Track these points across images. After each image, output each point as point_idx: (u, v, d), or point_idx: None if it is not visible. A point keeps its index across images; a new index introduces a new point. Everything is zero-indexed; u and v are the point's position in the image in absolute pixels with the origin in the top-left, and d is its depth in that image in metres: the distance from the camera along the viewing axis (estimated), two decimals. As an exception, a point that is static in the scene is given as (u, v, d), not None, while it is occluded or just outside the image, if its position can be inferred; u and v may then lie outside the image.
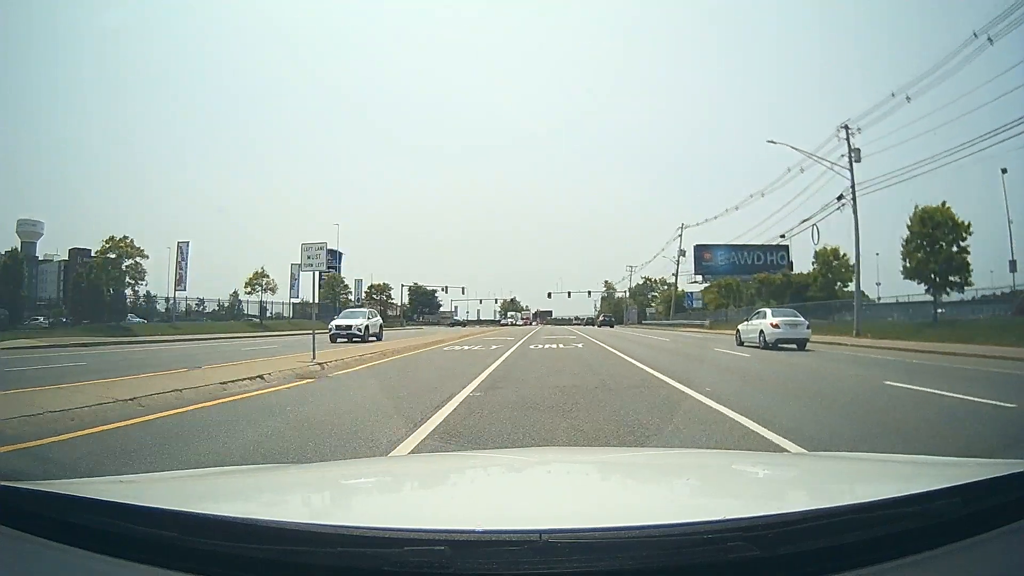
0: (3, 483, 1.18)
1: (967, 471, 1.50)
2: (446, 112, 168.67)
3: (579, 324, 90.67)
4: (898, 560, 0.97)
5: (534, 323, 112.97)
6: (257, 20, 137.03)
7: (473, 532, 0.95)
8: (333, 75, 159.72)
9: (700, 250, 60.54)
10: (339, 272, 71.14)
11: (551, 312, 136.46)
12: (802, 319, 19.55)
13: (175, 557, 0.98)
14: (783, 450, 4.22)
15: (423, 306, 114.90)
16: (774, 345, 18.05)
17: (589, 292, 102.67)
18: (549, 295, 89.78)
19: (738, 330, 21.83)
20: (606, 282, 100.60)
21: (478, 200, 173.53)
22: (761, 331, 18.84)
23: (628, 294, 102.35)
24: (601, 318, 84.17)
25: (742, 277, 55.48)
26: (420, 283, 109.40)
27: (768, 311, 20.35)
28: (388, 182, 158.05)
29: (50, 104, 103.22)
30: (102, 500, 1.15)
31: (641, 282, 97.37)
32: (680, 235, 63.92)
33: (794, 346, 18.14)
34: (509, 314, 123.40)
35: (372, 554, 0.92)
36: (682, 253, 63.46)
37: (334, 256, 66.77)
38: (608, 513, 1.26)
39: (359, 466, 2.75)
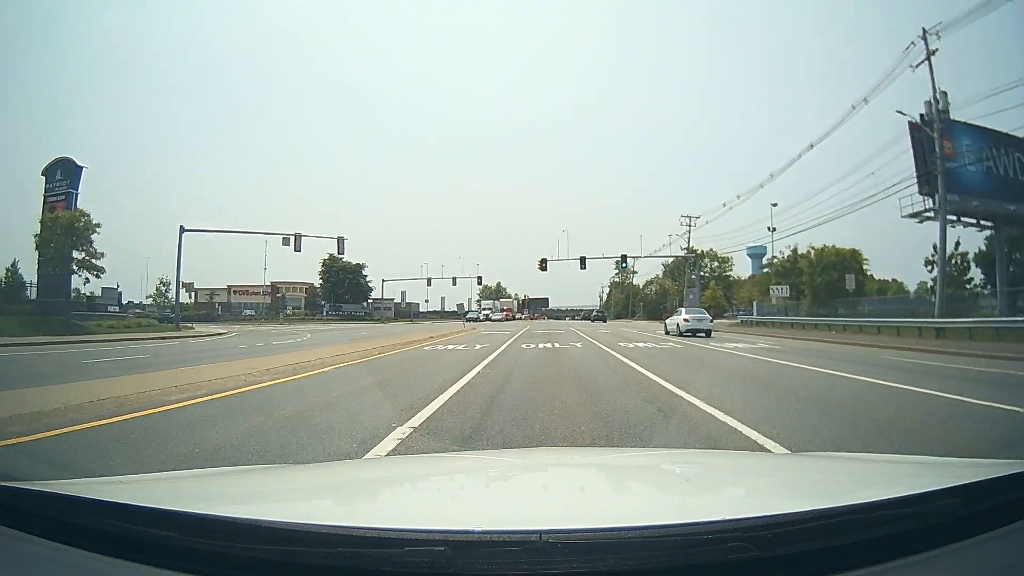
0: (3, 483, 1.18)
1: (967, 471, 1.50)
2: (438, 104, 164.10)
3: (577, 319, 72.46)
4: (898, 560, 0.97)
5: (522, 316, 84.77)
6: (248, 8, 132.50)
7: (473, 532, 0.96)
8: (327, 65, 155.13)
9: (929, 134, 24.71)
10: (75, 202, 36.62)
11: (547, 301, 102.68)
12: (706, 315, 27.98)
13: (175, 557, 0.98)
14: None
15: (344, 291, 79.01)
16: (687, 333, 24.95)
17: (623, 257, 51.85)
18: (543, 264, 47.79)
19: (665, 323, 29.73)
20: (621, 258, 52.11)
21: (474, 195, 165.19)
22: (677, 324, 26.18)
23: (664, 270, 69.56)
24: (595, 313, 71.39)
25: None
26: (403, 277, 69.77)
27: (683, 309, 28.59)
28: (385, 174, 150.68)
29: (50, 98, 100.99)
30: (102, 500, 1.15)
31: (674, 259, 63.23)
32: (928, 58, 24.15)
33: (703, 333, 24.81)
34: (484, 304, 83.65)
35: (372, 554, 0.93)
36: (940, 116, 24.67)
37: (65, 175, 37.45)
38: (607, 513, 1.27)
39: (358, 467, 2.75)
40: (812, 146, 32.48)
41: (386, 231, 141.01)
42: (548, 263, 46.87)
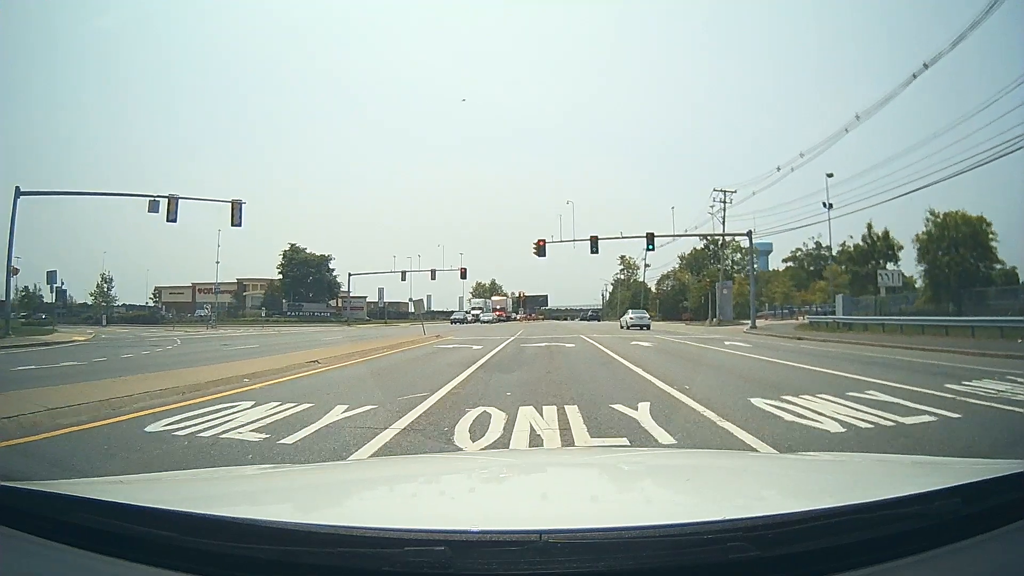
0: (3, 483, 1.18)
1: (967, 471, 1.50)
2: (429, 96, 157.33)
3: (576, 320, 67.12)
4: (898, 560, 0.97)
5: (518, 316, 76.35)
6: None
7: (472, 532, 0.96)
8: (327, 63, 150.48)
9: None
10: None
11: (546, 299, 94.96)
12: (645, 314, 40.03)
13: (174, 557, 0.98)
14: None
15: (308, 287, 66.95)
16: (630, 327, 35.35)
17: (650, 237, 37.48)
18: (540, 248, 36.22)
19: (619, 320, 43.23)
20: (647, 237, 37.44)
21: (468, 188, 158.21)
22: (625, 320, 39.12)
23: (680, 263, 60.94)
24: (590, 312, 71.00)
25: None
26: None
27: (630, 310, 41.05)
28: (367, 166, 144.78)
29: (47, 96, 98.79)
30: (102, 500, 1.15)
31: (699, 248, 56.58)
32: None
33: (644, 327, 35.26)
34: (474, 303, 75.34)
35: (372, 554, 0.93)
36: None
37: None
38: (607, 513, 1.27)
39: (358, 466, 2.75)
40: (927, 66, 23.08)
41: (369, 227, 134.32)
42: (548, 247, 36.27)
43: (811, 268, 54.89)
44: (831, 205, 32.05)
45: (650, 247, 37.57)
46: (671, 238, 42.78)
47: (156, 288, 72.60)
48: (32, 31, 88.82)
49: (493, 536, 0.94)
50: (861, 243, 35.82)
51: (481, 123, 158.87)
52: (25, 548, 1.04)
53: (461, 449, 4.50)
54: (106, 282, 59.17)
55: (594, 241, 36.05)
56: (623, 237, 38.67)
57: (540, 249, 36.13)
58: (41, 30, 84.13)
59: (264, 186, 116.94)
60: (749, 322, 36.44)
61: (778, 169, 34.63)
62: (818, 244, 47.91)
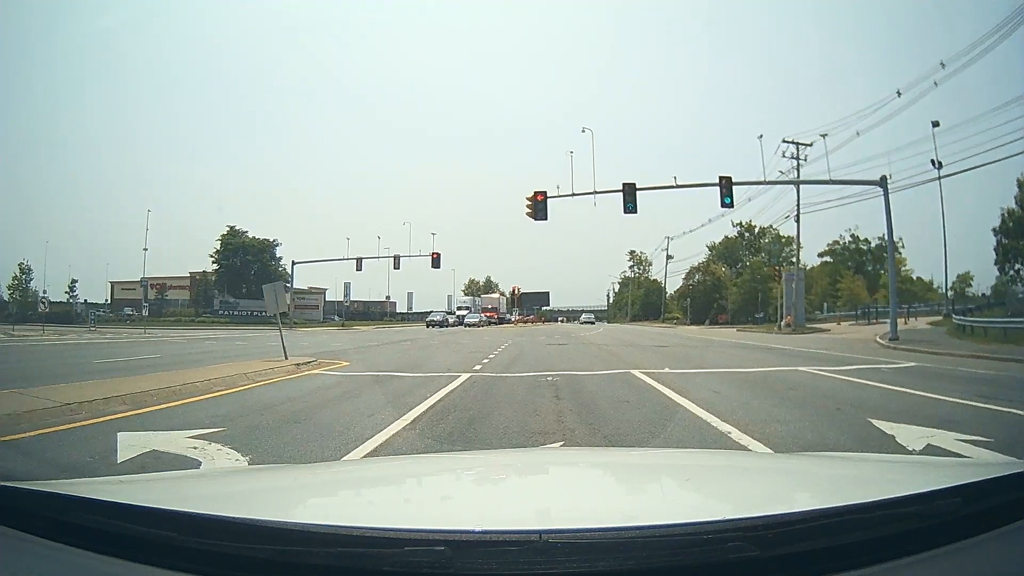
0: (3, 483, 1.18)
1: (967, 471, 1.51)
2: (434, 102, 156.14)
3: (590, 323, 60.00)
4: (898, 560, 0.97)
5: (514, 318, 69.53)
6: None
7: (472, 532, 0.96)
8: (330, 63, 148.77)
9: None
10: None
11: (547, 297, 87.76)
12: (592, 316, 71.44)
13: (174, 557, 0.98)
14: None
15: (251, 279, 54.32)
16: (583, 324, 58.35)
17: (726, 183, 22.45)
18: (539, 205, 22.33)
19: (578, 321, 67.97)
20: (722, 184, 21.64)
21: (470, 195, 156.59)
22: (581, 320, 65.66)
23: (711, 254, 54.10)
24: (583, 316, 68.98)
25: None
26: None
27: (584, 314, 72.36)
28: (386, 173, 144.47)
29: (48, 99, 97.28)
30: (102, 500, 1.15)
31: (731, 236, 52.10)
32: None
33: (592, 323, 61.48)
34: (462, 302, 68.36)
35: (372, 554, 0.93)
36: None
37: None
38: (607, 513, 1.27)
39: (359, 466, 2.76)
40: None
41: (364, 226, 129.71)
42: (552, 205, 23.38)
43: (850, 264, 48.62)
44: (941, 164, 24.27)
45: (727, 200, 23.22)
46: (765, 186, 27.97)
47: (121, 283, 63.46)
48: (32, 30, 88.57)
49: (493, 536, 0.94)
50: (1016, 207, 27.09)
51: (481, 122, 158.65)
52: (25, 548, 1.04)
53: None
54: (24, 273, 50.12)
55: (629, 191, 22.54)
56: (679, 186, 23.71)
57: (538, 207, 23.27)
58: (41, 28, 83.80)
59: (256, 180, 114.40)
60: (846, 325, 25.89)
61: (899, 94, 22.98)
62: (855, 237, 42.77)
